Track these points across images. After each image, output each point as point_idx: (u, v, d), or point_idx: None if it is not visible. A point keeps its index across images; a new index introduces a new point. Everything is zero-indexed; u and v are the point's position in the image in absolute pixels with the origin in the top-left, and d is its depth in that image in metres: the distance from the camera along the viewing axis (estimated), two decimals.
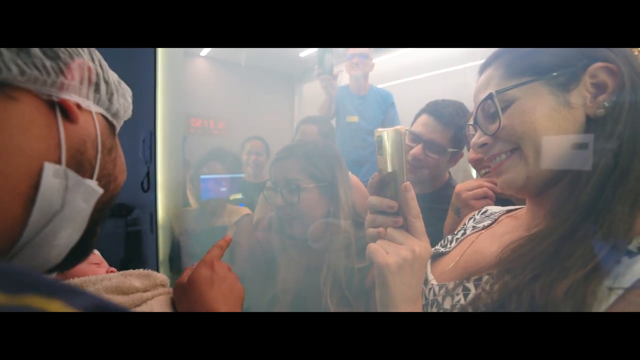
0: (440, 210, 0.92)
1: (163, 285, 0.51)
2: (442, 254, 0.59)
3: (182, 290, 0.48)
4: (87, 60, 0.33)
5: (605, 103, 0.41)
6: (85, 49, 0.33)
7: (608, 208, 0.38)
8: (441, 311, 0.48)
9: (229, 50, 2.15)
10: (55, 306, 0.18)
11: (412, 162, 1.00)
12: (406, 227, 0.45)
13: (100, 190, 0.33)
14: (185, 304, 0.46)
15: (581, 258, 0.37)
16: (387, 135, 0.45)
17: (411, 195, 0.44)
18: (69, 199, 0.30)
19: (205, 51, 2.23)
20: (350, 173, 0.95)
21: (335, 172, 0.84)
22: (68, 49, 0.31)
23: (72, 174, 0.30)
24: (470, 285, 0.46)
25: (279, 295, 0.89)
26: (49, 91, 0.29)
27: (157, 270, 0.66)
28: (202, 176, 1.43)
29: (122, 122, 0.39)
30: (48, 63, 0.29)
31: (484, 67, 0.50)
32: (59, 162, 0.29)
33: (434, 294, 0.51)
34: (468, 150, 0.86)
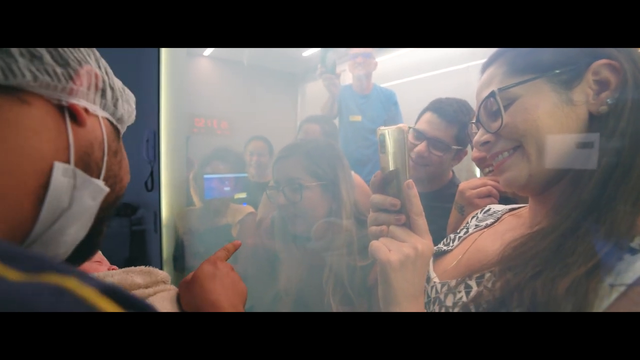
0: (443, 208, 0.92)
1: (164, 282, 0.51)
2: (445, 252, 0.59)
3: (185, 285, 0.49)
4: (94, 67, 0.34)
5: (608, 100, 0.41)
6: (92, 57, 0.35)
7: (610, 206, 0.38)
8: (443, 308, 0.48)
9: (232, 49, 2.15)
10: (71, 283, 0.19)
11: (416, 159, 1.00)
12: (409, 225, 0.45)
13: (107, 189, 0.35)
14: (188, 298, 0.48)
15: (583, 255, 0.37)
16: (389, 133, 0.45)
17: (414, 193, 0.44)
18: (77, 197, 0.32)
19: (208, 51, 2.24)
20: (353, 172, 0.95)
21: (337, 170, 0.84)
22: (77, 56, 0.32)
23: (80, 173, 0.32)
24: (472, 283, 0.46)
25: (281, 293, 0.90)
26: (59, 96, 0.31)
27: (161, 269, 0.67)
28: (205, 175, 1.43)
29: (125, 127, 0.41)
30: (59, 70, 0.30)
31: (486, 66, 0.50)
32: (67, 162, 0.31)
33: (436, 292, 0.51)
34: (472, 148, 0.86)
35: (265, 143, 1.64)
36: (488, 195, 0.78)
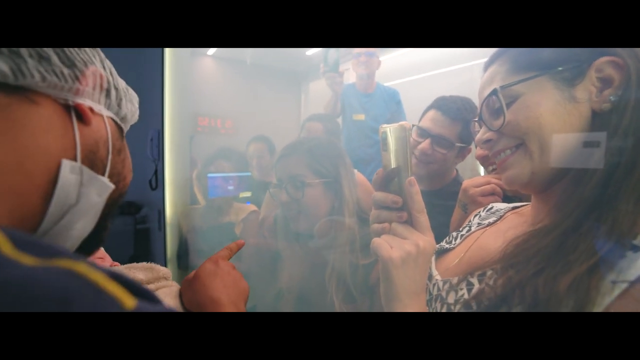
0: (447, 206, 0.92)
1: (166, 278, 0.52)
2: (447, 250, 0.59)
3: (187, 283, 0.50)
4: (99, 68, 0.35)
5: (611, 97, 0.41)
6: (97, 58, 0.36)
7: (612, 204, 0.38)
8: (445, 305, 0.48)
9: (236, 49, 2.16)
10: (82, 267, 0.20)
11: (420, 157, 1.00)
12: (411, 222, 0.45)
13: (112, 185, 0.36)
14: (190, 295, 0.49)
15: (585, 252, 0.37)
16: (391, 131, 0.46)
17: (415, 190, 0.44)
18: (83, 193, 0.33)
19: (212, 50, 2.25)
20: (355, 171, 0.95)
21: (339, 168, 0.84)
22: (83, 57, 0.33)
23: (86, 170, 0.33)
24: (474, 280, 0.46)
25: (283, 291, 0.90)
26: (66, 96, 0.32)
27: (165, 266, 0.68)
28: (209, 174, 1.44)
29: (129, 126, 0.42)
30: (66, 70, 0.31)
31: (488, 64, 0.50)
32: (74, 160, 0.32)
33: (438, 289, 0.51)
34: (476, 146, 0.86)
35: (265, 144, 1.63)
36: (491, 193, 0.78)
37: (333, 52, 1.41)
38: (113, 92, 0.37)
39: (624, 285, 0.34)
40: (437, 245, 0.61)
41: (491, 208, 0.63)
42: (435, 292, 0.51)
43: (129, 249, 2.09)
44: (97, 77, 0.34)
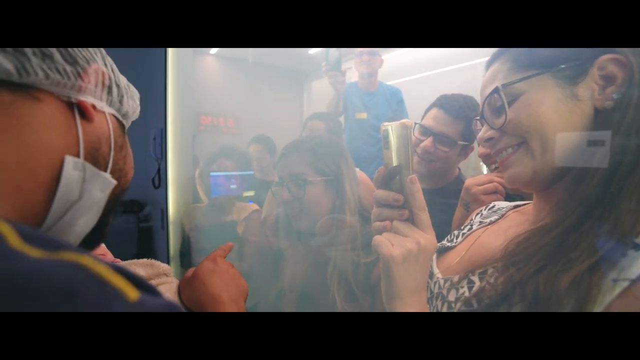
0: (449, 204, 0.92)
1: (166, 275, 0.52)
2: (449, 249, 0.59)
3: (186, 282, 0.50)
4: (101, 65, 0.35)
5: (613, 95, 0.40)
6: (99, 55, 0.36)
7: (614, 202, 0.38)
8: (445, 303, 0.48)
9: (238, 48, 2.16)
10: (87, 260, 0.20)
11: (422, 155, 1.00)
12: (412, 220, 0.45)
13: (114, 182, 0.36)
14: (189, 293, 0.49)
15: (586, 250, 0.37)
16: (393, 129, 0.46)
17: (417, 188, 0.44)
18: (86, 190, 0.33)
19: (214, 49, 2.25)
20: (358, 169, 0.95)
21: (341, 166, 0.85)
22: (85, 55, 0.33)
23: (89, 167, 0.33)
24: (475, 278, 0.46)
25: (285, 290, 0.90)
26: (69, 93, 0.32)
27: (168, 265, 0.68)
28: (212, 173, 1.44)
29: (130, 122, 0.42)
30: (68, 68, 0.31)
31: (490, 62, 0.50)
32: (77, 157, 0.32)
33: (439, 287, 0.51)
34: (478, 144, 0.85)
35: (263, 145, 1.63)
36: (494, 191, 0.78)
37: (334, 51, 1.40)
38: (115, 89, 0.37)
39: (625, 284, 0.34)
40: (439, 244, 0.61)
41: (493, 206, 0.63)
42: (436, 290, 0.51)
43: (132, 247, 2.11)
44: (99, 74, 0.35)
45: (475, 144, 1.03)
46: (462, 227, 0.62)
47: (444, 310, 0.47)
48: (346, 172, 0.85)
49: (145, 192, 1.99)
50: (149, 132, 1.79)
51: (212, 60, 2.34)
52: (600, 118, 0.41)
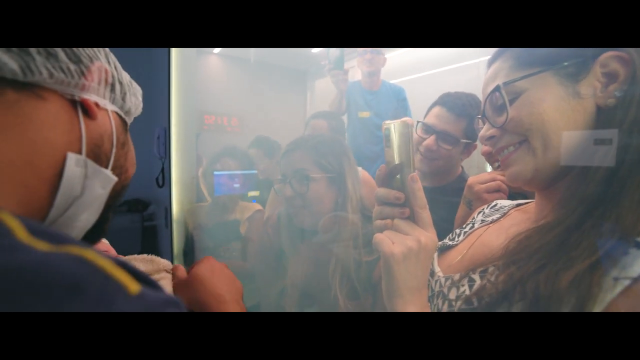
0: (452, 203, 0.92)
1: (166, 271, 0.52)
2: (450, 247, 0.59)
3: (184, 285, 0.48)
4: (104, 63, 0.36)
5: (616, 92, 0.40)
6: (102, 53, 0.36)
7: (616, 201, 0.37)
8: (446, 302, 0.48)
9: (242, 48, 2.16)
10: (90, 254, 0.21)
11: (425, 153, 1.00)
12: (413, 218, 0.45)
13: (115, 178, 0.37)
14: (189, 294, 0.47)
15: (588, 249, 0.36)
16: (394, 127, 0.46)
17: (418, 186, 0.44)
18: (88, 186, 0.34)
19: (217, 49, 2.26)
20: (360, 168, 0.95)
21: (343, 164, 0.85)
22: (88, 53, 0.34)
23: (91, 163, 0.34)
24: (476, 277, 0.46)
25: (287, 288, 0.91)
26: (72, 91, 0.33)
27: (172, 263, 0.68)
28: (215, 172, 1.45)
29: (132, 119, 0.43)
30: (72, 66, 0.32)
31: (492, 60, 0.50)
32: (80, 153, 0.33)
33: (440, 286, 0.51)
34: (481, 142, 0.85)
35: (261, 149, 1.62)
36: (497, 190, 0.78)
37: (336, 49, 1.40)
38: (117, 87, 0.38)
39: (626, 282, 0.34)
40: (440, 242, 0.61)
41: (495, 205, 0.63)
42: (437, 289, 0.51)
43: (136, 245, 2.12)
44: (103, 72, 0.35)
45: (478, 142, 1.02)
46: (464, 226, 0.62)
47: (445, 308, 0.47)
48: (348, 170, 0.85)
49: (149, 191, 2.00)
50: (153, 131, 1.80)
51: (215, 60, 2.35)
52: (602, 116, 0.41)
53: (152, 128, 1.82)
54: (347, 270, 0.79)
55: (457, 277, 0.49)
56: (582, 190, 0.40)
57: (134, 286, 0.21)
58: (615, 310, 0.34)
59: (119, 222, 2.09)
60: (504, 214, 0.57)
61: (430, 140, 0.99)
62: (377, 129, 1.59)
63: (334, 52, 1.40)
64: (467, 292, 0.46)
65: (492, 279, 0.43)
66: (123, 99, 0.39)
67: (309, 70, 2.63)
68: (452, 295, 0.48)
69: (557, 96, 0.42)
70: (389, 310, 0.45)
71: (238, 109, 2.25)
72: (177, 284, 0.49)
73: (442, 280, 0.51)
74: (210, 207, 1.53)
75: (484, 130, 0.50)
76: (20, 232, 0.21)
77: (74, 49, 0.32)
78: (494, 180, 0.78)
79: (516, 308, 0.39)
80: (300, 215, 0.86)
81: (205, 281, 0.48)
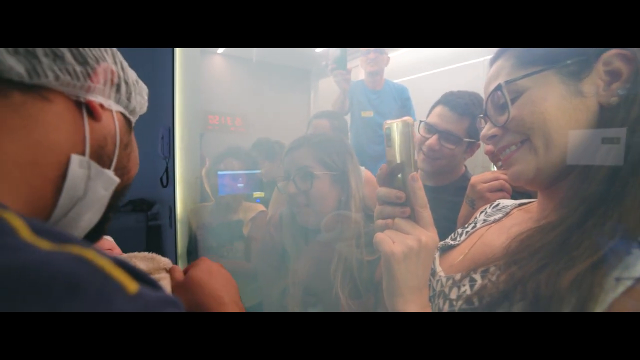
0: (455, 202, 0.91)
1: (167, 270, 0.52)
2: (452, 247, 0.59)
3: (181, 286, 0.48)
4: (111, 62, 0.36)
5: (619, 91, 0.40)
6: (109, 52, 0.37)
7: (619, 200, 0.37)
8: (447, 301, 0.48)
9: (246, 48, 2.16)
10: (91, 254, 0.21)
11: (428, 152, 1.00)
12: (414, 218, 0.45)
13: (117, 179, 0.37)
14: (188, 295, 0.47)
15: (589, 248, 0.36)
16: (395, 126, 0.46)
17: (418, 186, 0.44)
18: (91, 187, 0.34)
19: (221, 49, 2.26)
20: (363, 168, 0.95)
21: (346, 163, 0.85)
22: (95, 54, 0.34)
23: (94, 165, 0.34)
24: (477, 276, 0.46)
25: (289, 287, 0.91)
26: (78, 93, 0.33)
27: (176, 263, 0.69)
28: (219, 172, 1.46)
29: (137, 117, 0.43)
30: (78, 68, 0.32)
31: (494, 59, 0.50)
32: (83, 155, 0.33)
33: (441, 285, 0.51)
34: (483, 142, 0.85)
35: (261, 152, 1.62)
36: (500, 189, 0.77)
37: (336, 50, 1.40)
38: (123, 87, 0.38)
39: (628, 282, 0.34)
40: (442, 242, 0.61)
41: (497, 204, 0.62)
42: (438, 289, 0.51)
43: (141, 245, 2.13)
44: (108, 73, 0.36)
45: (481, 141, 1.02)
46: (466, 226, 0.62)
47: (446, 308, 0.47)
48: (352, 169, 0.85)
49: (154, 191, 2.01)
50: (157, 131, 1.81)
51: (219, 60, 2.36)
52: (605, 114, 0.41)
53: (156, 128, 1.83)
54: (349, 269, 0.79)
55: (458, 276, 0.49)
56: (585, 190, 0.40)
57: (132, 286, 0.22)
58: (618, 310, 0.33)
59: (124, 221, 2.11)
60: (506, 214, 0.57)
61: (433, 139, 0.99)
62: (380, 129, 1.59)
63: (334, 52, 1.39)
64: (468, 292, 0.45)
65: (493, 278, 0.43)
66: (128, 98, 0.39)
67: (313, 70, 2.63)
68: (453, 295, 0.48)
69: (559, 95, 0.42)
70: (389, 309, 0.45)
71: (242, 109, 2.26)
72: (175, 286, 0.49)
73: (444, 280, 0.51)
74: (213, 207, 1.54)
75: (486, 130, 0.49)
76: (24, 232, 0.21)
77: (81, 50, 0.33)
78: (496, 179, 0.78)
79: (517, 308, 0.38)
80: (303, 214, 0.86)
81: (203, 283, 0.47)
